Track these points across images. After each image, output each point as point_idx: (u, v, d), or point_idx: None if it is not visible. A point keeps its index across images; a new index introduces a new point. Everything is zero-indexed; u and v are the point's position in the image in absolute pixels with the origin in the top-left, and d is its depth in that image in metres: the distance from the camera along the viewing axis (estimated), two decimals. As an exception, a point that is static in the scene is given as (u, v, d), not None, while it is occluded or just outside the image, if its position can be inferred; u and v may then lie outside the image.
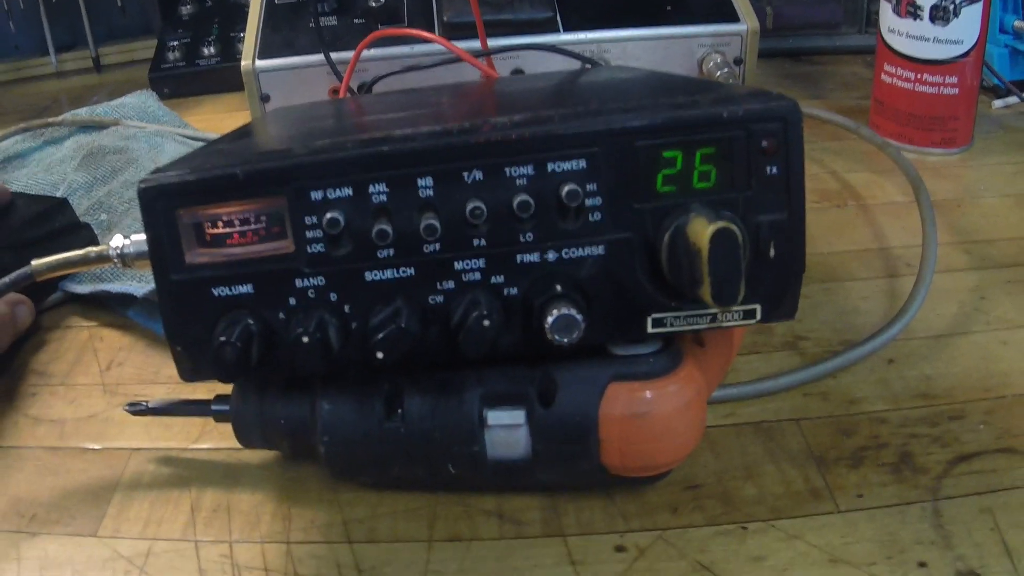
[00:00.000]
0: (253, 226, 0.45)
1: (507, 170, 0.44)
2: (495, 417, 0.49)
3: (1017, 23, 1.10)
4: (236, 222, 0.45)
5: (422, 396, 0.50)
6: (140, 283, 0.73)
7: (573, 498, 0.54)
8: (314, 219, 0.45)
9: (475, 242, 0.45)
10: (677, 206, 0.45)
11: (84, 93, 1.40)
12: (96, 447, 0.62)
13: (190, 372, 0.48)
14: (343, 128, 0.58)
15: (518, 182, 0.44)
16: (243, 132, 0.64)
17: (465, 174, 0.44)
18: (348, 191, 0.44)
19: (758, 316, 0.47)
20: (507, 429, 0.49)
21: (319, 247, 0.45)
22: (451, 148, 0.44)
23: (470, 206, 0.44)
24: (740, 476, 0.56)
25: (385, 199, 0.44)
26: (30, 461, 0.62)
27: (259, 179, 0.44)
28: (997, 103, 1.09)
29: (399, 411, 0.50)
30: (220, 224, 0.45)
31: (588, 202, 0.44)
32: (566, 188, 0.44)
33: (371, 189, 0.44)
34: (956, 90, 0.95)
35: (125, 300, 0.75)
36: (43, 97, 1.41)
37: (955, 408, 0.61)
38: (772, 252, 0.46)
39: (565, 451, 0.49)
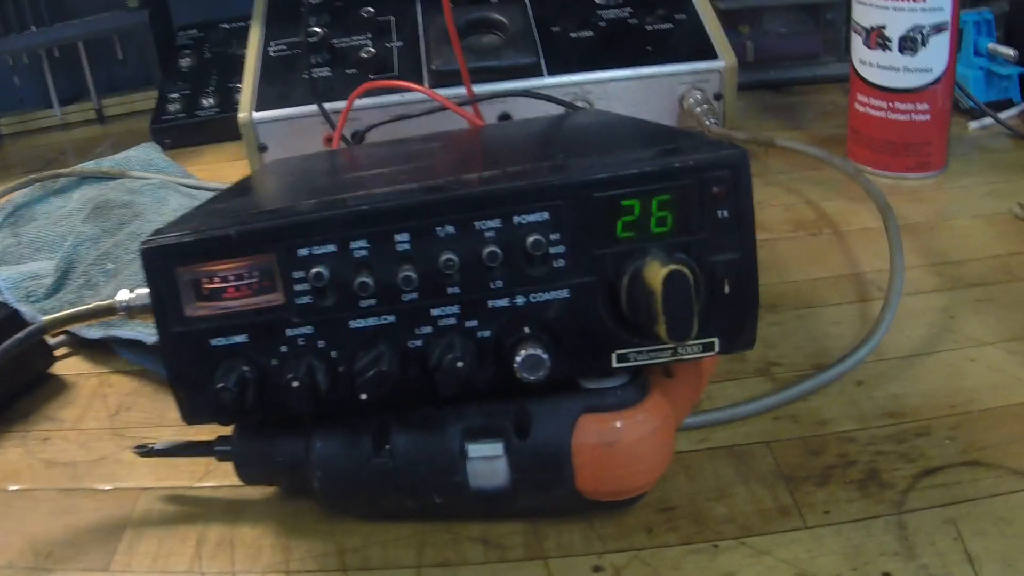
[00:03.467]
0: (246, 281, 0.49)
1: (476, 224, 0.48)
2: (475, 450, 0.52)
3: (991, 46, 1.13)
4: (231, 277, 0.49)
5: (407, 432, 0.53)
6: (149, 330, 0.75)
7: (553, 523, 0.57)
8: (302, 274, 0.48)
9: (449, 290, 0.48)
10: (636, 250, 0.48)
11: (88, 144, 1.43)
12: (107, 487, 0.65)
13: (191, 415, 0.52)
14: (328, 186, 0.61)
15: (487, 234, 0.48)
16: (238, 189, 0.67)
17: (438, 229, 0.48)
18: (332, 247, 0.48)
19: (716, 348, 0.50)
20: (487, 460, 0.52)
21: (307, 299, 0.49)
22: (424, 205, 0.48)
23: (443, 258, 0.47)
24: (712, 497, 0.59)
25: (366, 254, 0.48)
26: (45, 502, 0.64)
27: (250, 239, 0.48)
28: (973, 124, 1.12)
29: (387, 447, 0.53)
30: (216, 279, 0.49)
31: (552, 250, 0.48)
32: (531, 239, 0.47)
33: (353, 245, 0.48)
34: (928, 116, 0.98)
35: (133, 344, 0.78)
36: (49, 148, 1.44)
37: (921, 425, 0.63)
38: (727, 289, 0.49)
39: (542, 479, 0.53)
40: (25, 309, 0.84)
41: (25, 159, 1.41)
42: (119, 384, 0.78)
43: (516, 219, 0.48)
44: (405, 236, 0.48)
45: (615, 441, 0.52)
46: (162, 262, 0.49)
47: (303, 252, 0.48)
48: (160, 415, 0.73)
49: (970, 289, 0.79)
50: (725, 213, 0.48)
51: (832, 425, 0.64)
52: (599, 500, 0.54)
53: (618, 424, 0.52)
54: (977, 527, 0.54)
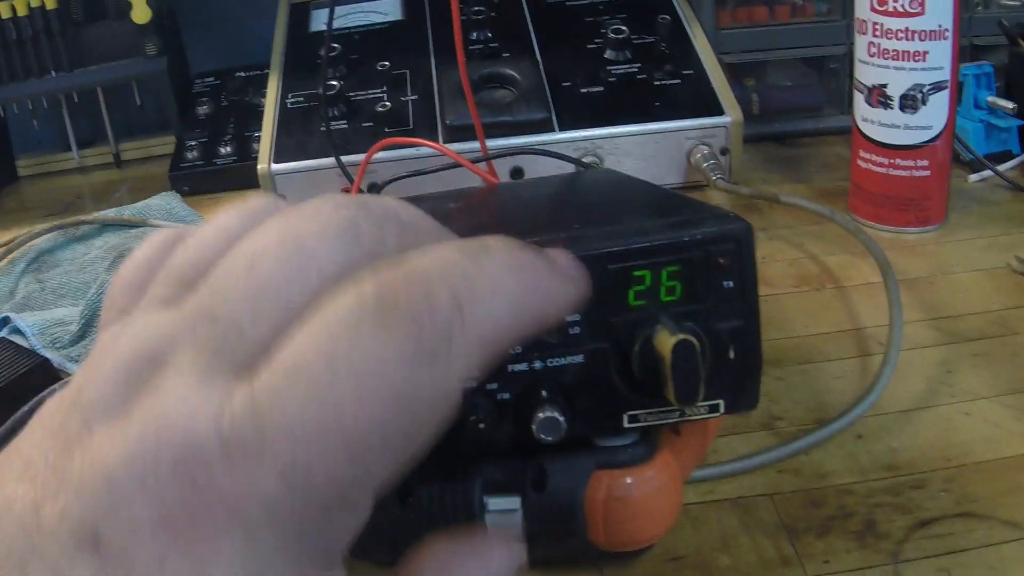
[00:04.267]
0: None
1: (498, 295, 0.50)
2: (494, 503, 0.55)
3: (990, 99, 1.16)
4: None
5: (429, 486, 0.56)
6: None
7: (566, 571, 0.60)
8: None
9: (471, 355, 0.51)
10: (647, 318, 0.51)
11: (106, 188, 1.46)
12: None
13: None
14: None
15: (507, 304, 0.51)
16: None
17: (461, 298, 0.50)
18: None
19: (722, 409, 0.53)
20: (504, 514, 0.55)
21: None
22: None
23: (465, 325, 0.50)
24: (717, 548, 0.61)
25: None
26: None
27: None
28: (972, 177, 1.15)
29: (409, 499, 0.56)
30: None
31: (568, 319, 0.51)
32: (548, 309, 0.50)
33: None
34: (928, 172, 1.01)
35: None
36: (67, 192, 1.47)
37: (917, 478, 0.66)
38: (732, 354, 0.52)
39: (556, 531, 0.55)
40: (51, 355, 0.86)
41: (43, 201, 1.43)
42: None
43: (536, 289, 0.50)
44: (431, 303, 0.51)
45: (625, 496, 0.54)
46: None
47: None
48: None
49: (967, 343, 0.81)
50: (730, 283, 0.51)
51: (832, 478, 0.67)
52: (609, 550, 0.57)
53: (629, 480, 0.54)
54: (969, 576, 0.57)
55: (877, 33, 0.98)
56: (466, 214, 0.74)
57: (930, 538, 0.61)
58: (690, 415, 0.53)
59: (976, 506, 0.63)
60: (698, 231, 0.51)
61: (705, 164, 1.10)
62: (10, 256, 1.12)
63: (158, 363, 0.28)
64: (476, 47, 1.25)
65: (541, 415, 0.50)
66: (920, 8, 0.95)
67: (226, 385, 0.27)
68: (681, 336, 0.48)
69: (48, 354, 0.86)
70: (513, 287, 0.31)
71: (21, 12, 1.43)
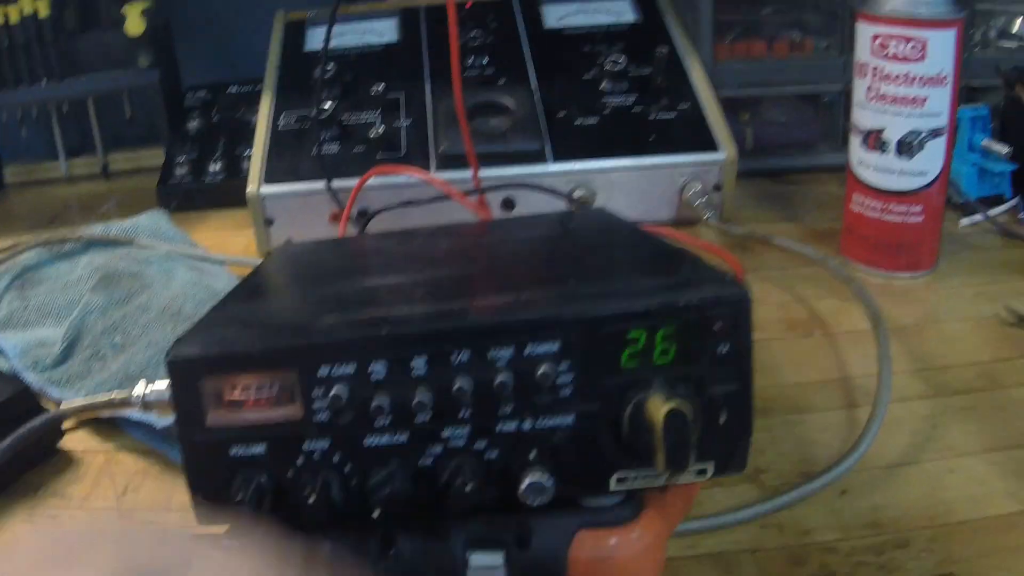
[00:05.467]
0: (267, 393, 0.51)
1: (490, 353, 0.50)
2: (477, 559, 0.54)
3: (985, 143, 1.16)
4: (252, 389, 0.51)
5: (412, 539, 0.55)
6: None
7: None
8: (321, 391, 0.50)
9: (461, 413, 0.51)
10: (640, 380, 0.50)
11: (93, 200, 1.45)
12: (114, 569, 0.67)
13: (206, 518, 0.54)
14: (345, 298, 0.63)
15: (498, 363, 0.50)
16: (253, 287, 0.69)
17: (453, 356, 0.50)
18: (351, 369, 0.50)
19: (709, 473, 0.53)
20: (488, 570, 0.54)
21: (324, 415, 0.51)
22: (442, 333, 0.50)
23: (457, 384, 0.50)
24: (699, 605, 0.61)
25: (383, 377, 0.50)
26: (53, 581, 0.66)
27: (274, 356, 0.50)
28: (964, 221, 1.15)
29: (391, 551, 0.55)
30: (238, 391, 0.51)
31: (560, 380, 0.50)
32: (540, 369, 0.49)
33: (371, 368, 0.50)
34: (921, 218, 1.01)
35: (142, 425, 0.79)
36: (53, 202, 1.46)
37: (901, 537, 0.66)
38: (723, 419, 0.51)
39: (539, 589, 0.55)
40: (33, 378, 0.86)
41: (30, 211, 1.43)
42: (126, 462, 0.79)
43: (528, 349, 0.50)
44: (422, 361, 0.50)
45: (609, 556, 0.54)
46: (189, 375, 0.51)
47: (323, 371, 0.50)
48: (167, 498, 0.74)
49: (954, 397, 0.81)
50: (725, 348, 0.51)
51: (815, 535, 0.67)
52: (592, 610, 0.56)
53: (613, 541, 0.54)
54: (949, 640, 0.57)
55: (876, 77, 0.98)
56: (457, 257, 0.74)
57: (911, 600, 0.60)
58: (677, 479, 0.53)
59: (958, 567, 0.63)
60: (695, 295, 0.50)
61: (697, 202, 1.10)
62: (-7, 271, 1.11)
63: None
64: (472, 72, 1.24)
65: (528, 480, 0.50)
66: (921, 54, 0.95)
67: None
68: (674, 404, 0.47)
69: (30, 376, 0.86)
70: None
71: (13, 20, 1.43)
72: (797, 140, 1.38)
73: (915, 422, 0.78)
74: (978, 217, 1.14)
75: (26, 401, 0.77)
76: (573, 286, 0.55)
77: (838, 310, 0.97)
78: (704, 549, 0.66)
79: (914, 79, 0.96)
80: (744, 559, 0.65)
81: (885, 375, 0.79)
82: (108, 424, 0.83)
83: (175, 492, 0.75)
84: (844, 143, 1.08)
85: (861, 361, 0.87)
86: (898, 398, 0.81)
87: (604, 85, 1.21)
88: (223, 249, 1.17)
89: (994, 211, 1.14)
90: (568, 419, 0.51)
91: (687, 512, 0.62)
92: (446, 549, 0.55)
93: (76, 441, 0.83)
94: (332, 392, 0.50)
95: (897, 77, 0.97)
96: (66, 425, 0.83)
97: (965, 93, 1.28)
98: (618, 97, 1.20)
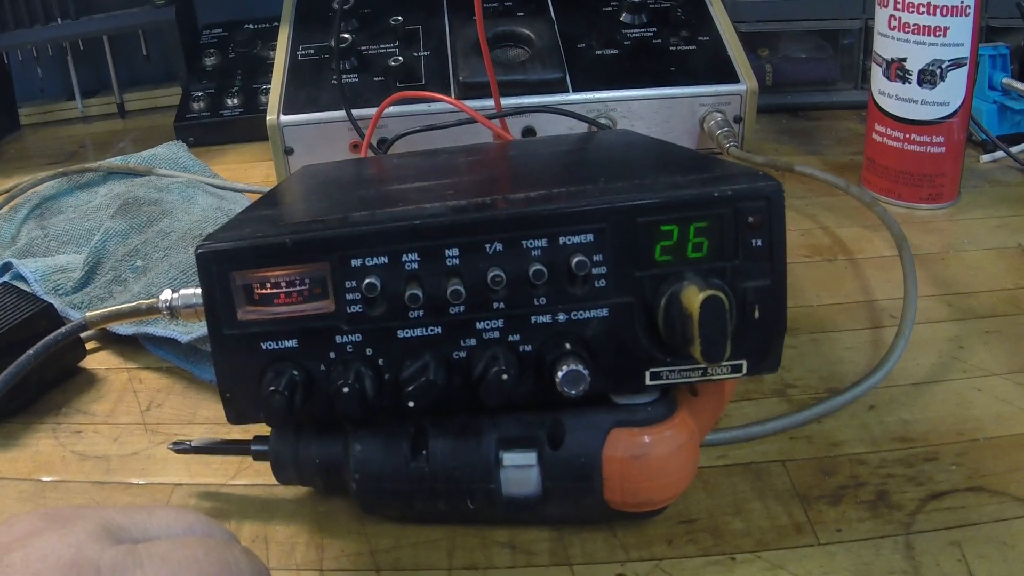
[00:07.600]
0: (298, 288, 0.51)
1: (524, 243, 0.50)
2: (510, 458, 0.54)
3: (1005, 80, 1.15)
4: (283, 284, 0.51)
5: (444, 439, 0.55)
6: (182, 328, 0.77)
7: (578, 531, 0.59)
8: (353, 283, 0.50)
9: (495, 305, 0.50)
10: (673, 273, 0.50)
11: (109, 138, 1.44)
12: (140, 482, 0.67)
13: (237, 417, 0.54)
14: (376, 198, 0.63)
15: (533, 253, 0.50)
16: (280, 195, 0.69)
17: (487, 246, 0.50)
18: (384, 259, 0.50)
19: (744, 370, 0.52)
20: (520, 469, 0.54)
21: (357, 308, 0.50)
22: (475, 223, 0.49)
23: (491, 274, 0.49)
24: (730, 512, 0.61)
25: (416, 267, 0.50)
26: (79, 494, 0.66)
27: (306, 247, 0.50)
28: (985, 158, 1.14)
29: (424, 452, 0.55)
30: (268, 285, 0.51)
31: (594, 271, 0.50)
32: (575, 259, 0.49)
33: (404, 258, 0.50)
34: (943, 148, 1.00)
35: (164, 341, 0.79)
36: (70, 141, 1.45)
37: (930, 450, 0.65)
38: (757, 314, 0.51)
39: (572, 488, 0.55)
40: (54, 301, 0.85)
41: (45, 150, 1.42)
42: (149, 380, 0.79)
43: (562, 239, 0.50)
44: (455, 251, 0.50)
45: (644, 455, 0.54)
46: (218, 266, 0.50)
47: (356, 262, 0.50)
48: (191, 413, 0.75)
49: (979, 320, 0.81)
50: (759, 242, 0.50)
51: (845, 447, 0.66)
52: (624, 511, 0.56)
53: (647, 439, 0.54)
54: (980, 550, 0.57)
55: (898, 6, 0.97)
56: (483, 166, 0.73)
57: (942, 511, 0.60)
58: (713, 374, 0.52)
59: (987, 481, 0.63)
60: (729, 188, 0.50)
61: (719, 131, 1.09)
62: (12, 203, 1.11)
63: None
64: (491, 5, 1.23)
65: (565, 368, 0.49)
66: (942, -18, 0.94)
67: None
68: (710, 292, 0.47)
69: (50, 300, 0.85)
70: None
71: (28, -42, 1.42)
72: (816, 77, 1.36)
73: (940, 343, 0.78)
74: (999, 154, 1.13)
75: (49, 319, 0.77)
76: (605, 182, 0.54)
77: (861, 237, 0.97)
78: (735, 459, 0.66)
79: (936, 8, 0.95)
80: (775, 469, 0.64)
81: (911, 292, 0.79)
82: (131, 344, 0.83)
83: (200, 407, 0.75)
84: (863, 82, 1.07)
85: (884, 286, 0.87)
86: (924, 320, 0.80)
87: (624, 17, 1.20)
88: (243, 180, 1.16)
89: (1015, 148, 1.13)
90: (602, 311, 0.51)
91: (719, 416, 0.62)
92: (478, 449, 0.55)
93: (98, 361, 0.83)
94: (365, 282, 0.49)
95: (919, 6, 0.96)
96: (89, 345, 0.83)
97: (985, 32, 1.26)
98: (638, 29, 1.19)
